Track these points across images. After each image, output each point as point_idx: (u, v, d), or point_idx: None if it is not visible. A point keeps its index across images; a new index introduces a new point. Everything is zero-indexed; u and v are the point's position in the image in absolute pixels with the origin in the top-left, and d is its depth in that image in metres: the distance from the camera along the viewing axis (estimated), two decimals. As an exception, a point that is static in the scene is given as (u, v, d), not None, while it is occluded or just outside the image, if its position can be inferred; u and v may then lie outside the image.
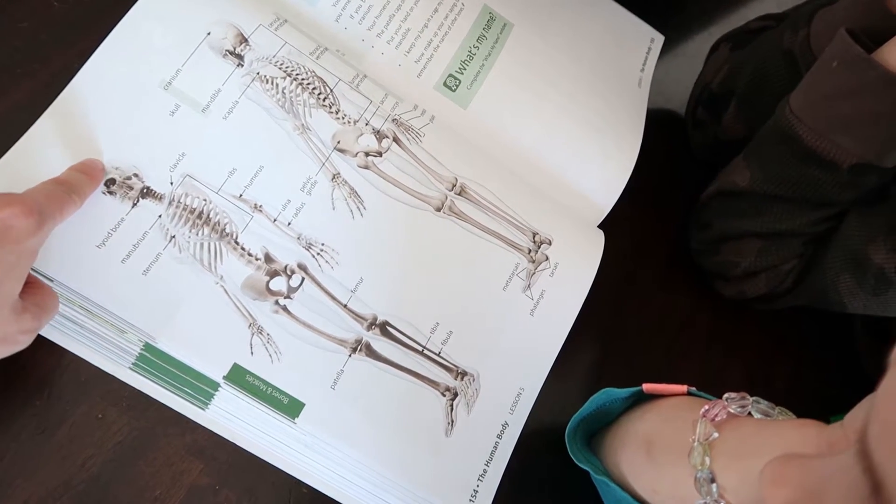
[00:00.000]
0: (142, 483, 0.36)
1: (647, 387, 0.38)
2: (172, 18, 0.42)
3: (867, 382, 0.55)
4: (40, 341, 0.35)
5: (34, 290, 0.33)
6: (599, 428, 0.43)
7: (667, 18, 0.59)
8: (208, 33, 0.42)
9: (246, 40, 0.43)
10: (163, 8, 0.42)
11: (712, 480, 0.32)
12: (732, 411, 0.34)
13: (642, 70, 0.56)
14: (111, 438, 0.36)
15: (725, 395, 0.34)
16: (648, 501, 0.37)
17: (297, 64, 0.44)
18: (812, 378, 0.55)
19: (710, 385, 0.51)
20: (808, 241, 0.45)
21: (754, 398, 0.34)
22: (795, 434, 0.29)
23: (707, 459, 0.32)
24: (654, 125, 0.53)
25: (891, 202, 0.43)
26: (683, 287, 0.54)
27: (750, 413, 0.34)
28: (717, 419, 0.33)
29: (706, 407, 0.34)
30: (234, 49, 0.43)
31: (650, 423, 0.38)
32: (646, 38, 0.57)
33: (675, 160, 0.58)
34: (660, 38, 0.57)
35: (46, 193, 0.34)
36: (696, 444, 0.33)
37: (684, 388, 0.38)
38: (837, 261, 0.44)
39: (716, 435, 0.33)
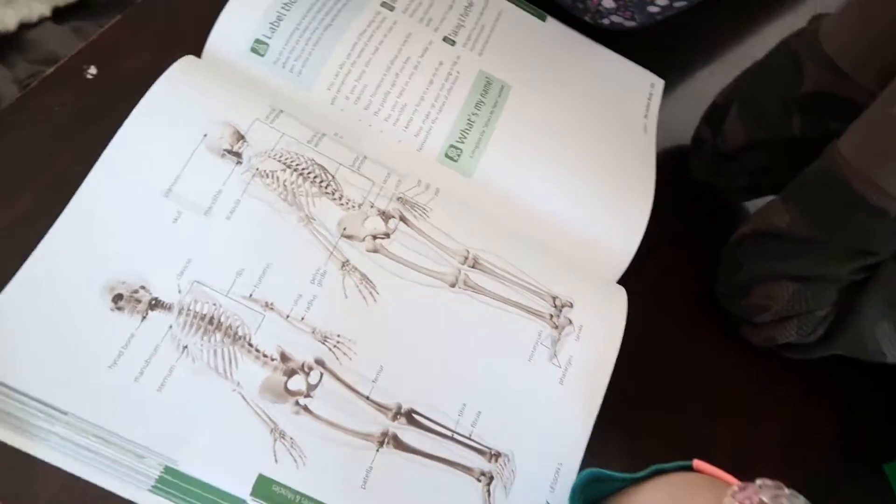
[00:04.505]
0: None
1: (697, 464, 0.36)
2: (168, 124, 0.42)
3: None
4: (43, 465, 0.34)
5: None
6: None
7: (666, 60, 0.58)
8: (205, 135, 0.42)
9: (243, 137, 0.42)
10: (158, 114, 0.42)
11: None
12: (765, 500, 0.31)
13: (646, 116, 0.55)
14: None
15: (759, 482, 0.32)
16: None
17: (296, 154, 0.43)
18: (860, 428, 0.52)
19: (750, 439, 0.49)
20: (844, 288, 0.44)
21: (791, 491, 0.31)
22: None
23: None
24: (662, 169, 0.52)
25: None
26: (709, 338, 0.51)
27: None
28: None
29: (735, 487, 0.32)
30: (232, 147, 0.42)
31: (659, 494, 0.36)
32: (646, 84, 0.56)
33: (687, 204, 0.56)
34: (660, 83, 0.56)
35: None
36: None
37: (735, 481, 0.35)
38: (876, 308, 0.42)
39: None
